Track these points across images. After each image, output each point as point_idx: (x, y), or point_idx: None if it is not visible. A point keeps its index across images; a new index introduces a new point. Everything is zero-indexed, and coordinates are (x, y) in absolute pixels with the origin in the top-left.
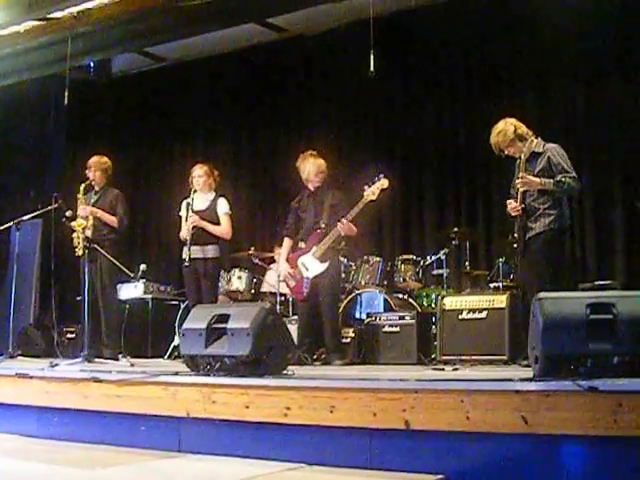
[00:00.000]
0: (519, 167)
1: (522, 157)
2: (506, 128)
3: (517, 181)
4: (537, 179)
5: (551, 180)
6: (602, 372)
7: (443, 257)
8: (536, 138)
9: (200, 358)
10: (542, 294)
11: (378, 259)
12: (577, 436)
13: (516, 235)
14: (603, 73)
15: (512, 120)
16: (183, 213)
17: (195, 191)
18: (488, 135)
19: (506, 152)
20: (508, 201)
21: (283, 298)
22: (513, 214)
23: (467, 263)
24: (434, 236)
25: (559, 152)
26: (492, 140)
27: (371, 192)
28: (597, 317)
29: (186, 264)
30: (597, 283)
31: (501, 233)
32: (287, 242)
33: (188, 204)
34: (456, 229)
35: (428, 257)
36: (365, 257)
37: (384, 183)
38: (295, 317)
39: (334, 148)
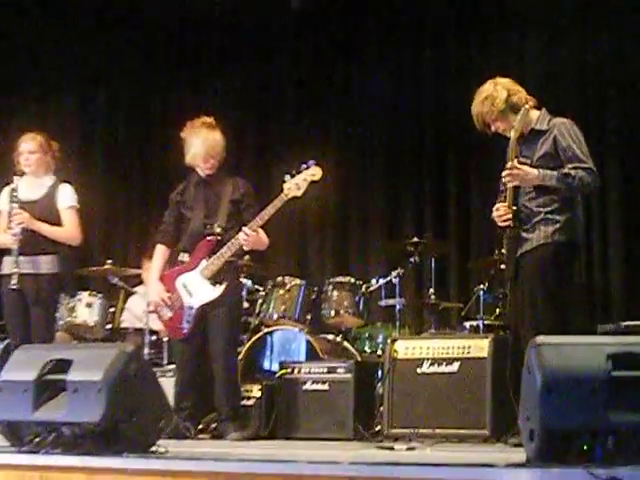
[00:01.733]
0: (510, 150)
1: (513, 135)
2: (495, 93)
3: (504, 173)
4: (534, 170)
5: (555, 173)
6: (629, 455)
7: (396, 281)
8: (538, 109)
9: (25, 426)
10: (542, 338)
11: (299, 282)
12: None
13: (504, 251)
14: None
15: (505, 81)
16: (3, 206)
17: (23, 174)
18: (468, 103)
19: (493, 128)
20: (496, 205)
21: (154, 337)
22: (501, 222)
23: (432, 291)
24: (383, 250)
25: (571, 131)
26: (474, 110)
27: (294, 185)
28: (622, 374)
29: (13, 285)
30: (623, 324)
31: (482, 248)
32: (162, 252)
33: (12, 193)
34: (416, 240)
35: (373, 281)
36: (280, 279)
37: (314, 173)
38: (172, 366)
39: (240, 118)
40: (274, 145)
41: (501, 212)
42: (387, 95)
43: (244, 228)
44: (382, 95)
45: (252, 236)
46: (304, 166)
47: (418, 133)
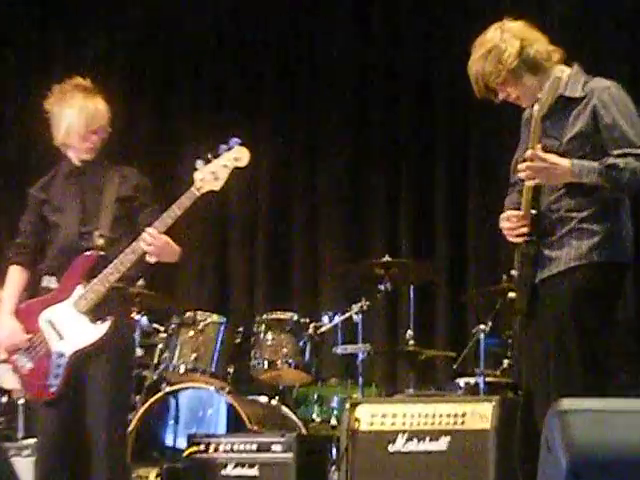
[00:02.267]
0: (530, 132)
1: (537, 112)
2: (502, 44)
3: (521, 166)
4: (566, 161)
5: (595, 165)
6: None
7: (358, 319)
8: (569, 66)
9: None
10: (568, 402)
11: (217, 319)
12: None
13: (516, 275)
14: None
15: (516, 27)
16: None
17: None
18: (462, 61)
19: (501, 96)
20: (506, 212)
21: (5, 399)
22: (513, 235)
23: (410, 333)
24: (341, 274)
25: (617, 100)
26: (472, 69)
27: (210, 174)
28: None
29: None
30: None
31: (484, 272)
32: (16, 276)
33: None
34: (389, 260)
35: (325, 318)
36: (190, 315)
37: (239, 157)
38: (32, 441)
39: (132, 81)
40: (180, 120)
41: (513, 222)
42: (351, 51)
43: (148, 228)
44: (345, 51)
45: (159, 240)
46: (224, 147)
47: (392, 107)
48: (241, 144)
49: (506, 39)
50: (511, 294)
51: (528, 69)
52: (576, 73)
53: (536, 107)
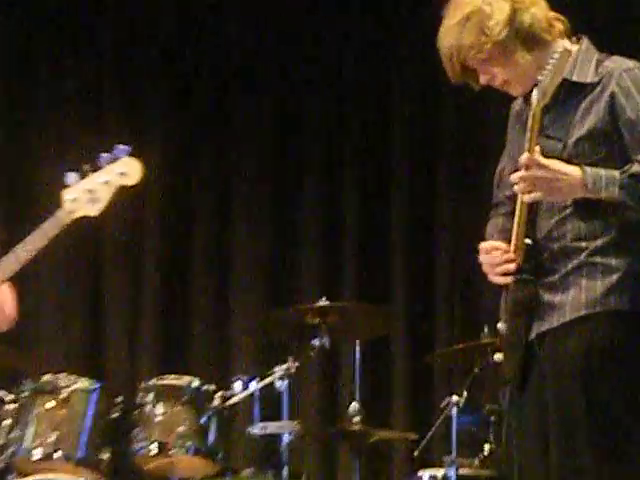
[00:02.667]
0: (527, 130)
1: (535, 98)
2: (486, 8)
3: (514, 176)
4: (575, 169)
5: (615, 174)
6: None
7: (282, 386)
8: (577, 41)
9: None
10: None
11: (87, 385)
12: None
13: (503, 328)
14: None
15: None
16: None
17: None
18: (428, 35)
19: (482, 79)
20: (488, 241)
21: None
22: (496, 273)
23: (354, 407)
24: (259, 324)
25: None
26: (445, 42)
27: (85, 194)
28: None
29: None
30: None
31: (456, 322)
32: None
33: None
34: (324, 304)
35: (237, 385)
36: (51, 378)
37: (126, 171)
38: None
39: None
40: (39, 120)
41: (497, 256)
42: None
43: None
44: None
45: None
46: (107, 158)
47: (334, 107)
48: (131, 154)
49: (492, 1)
50: (497, 356)
51: (521, 42)
52: (587, 50)
53: (535, 94)
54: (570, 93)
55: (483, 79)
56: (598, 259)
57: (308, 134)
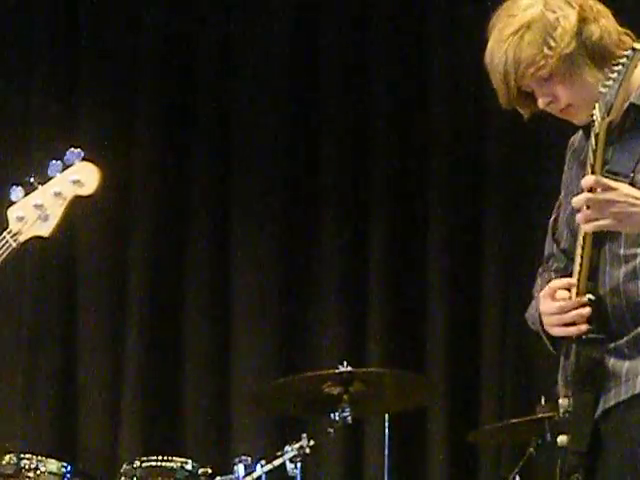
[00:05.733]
0: (591, 149)
1: (599, 122)
2: (548, 14)
3: (576, 199)
4: None
5: None
6: None
7: (296, 469)
8: None
9: None
10: None
11: (57, 468)
12: None
13: (565, 403)
14: None
15: None
16: None
17: None
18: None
19: (541, 102)
20: (547, 289)
21: None
22: (558, 324)
23: None
24: (264, 396)
25: None
26: (496, 57)
27: (35, 212)
28: None
29: None
30: None
31: (507, 395)
32: None
33: None
34: (347, 369)
35: (239, 467)
36: (13, 459)
37: (82, 179)
38: None
39: None
40: None
41: (560, 302)
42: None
43: None
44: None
45: None
46: (57, 165)
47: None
48: (86, 159)
49: (555, 7)
50: (560, 439)
51: (590, 57)
52: None
53: (597, 109)
54: (637, 121)
55: (542, 103)
56: None
57: (325, 162)
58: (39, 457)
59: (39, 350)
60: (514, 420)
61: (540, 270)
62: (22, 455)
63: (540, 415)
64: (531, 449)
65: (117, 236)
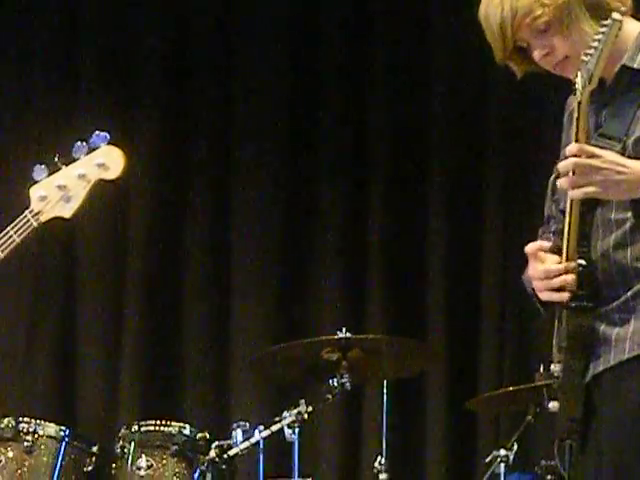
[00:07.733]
0: (574, 119)
1: (578, 84)
2: None
3: (562, 165)
4: (637, 163)
5: None
6: None
7: (293, 435)
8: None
9: None
10: None
11: (55, 432)
12: None
13: (558, 370)
14: None
15: None
16: None
17: None
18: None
19: (537, 54)
20: (532, 246)
21: None
22: (548, 288)
23: (380, 461)
24: (263, 362)
25: None
26: (491, 8)
27: (58, 192)
28: None
29: None
30: None
31: (505, 362)
32: None
33: None
34: (345, 336)
35: (237, 433)
36: (11, 422)
37: (108, 164)
38: None
39: None
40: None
41: (550, 264)
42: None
43: None
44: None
45: None
46: (82, 147)
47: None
48: (111, 143)
49: None
50: (552, 404)
51: (586, 7)
52: None
53: (579, 78)
54: (629, 82)
55: (538, 55)
56: None
57: (325, 127)
58: (37, 420)
59: (39, 314)
60: (513, 388)
61: (540, 232)
62: (20, 418)
63: (539, 383)
64: (530, 417)
65: (116, 210)
